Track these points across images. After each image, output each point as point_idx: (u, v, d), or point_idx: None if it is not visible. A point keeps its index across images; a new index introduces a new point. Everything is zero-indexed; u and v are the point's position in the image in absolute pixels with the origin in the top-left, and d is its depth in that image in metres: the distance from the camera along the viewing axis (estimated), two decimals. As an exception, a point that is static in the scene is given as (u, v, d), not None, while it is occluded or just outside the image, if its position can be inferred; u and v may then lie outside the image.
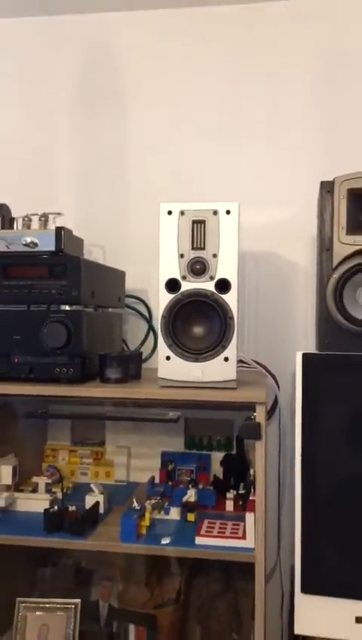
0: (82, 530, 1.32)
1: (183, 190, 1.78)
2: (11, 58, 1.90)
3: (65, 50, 1.87)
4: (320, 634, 1.25)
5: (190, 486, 1.47)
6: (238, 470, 1.61)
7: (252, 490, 1.40)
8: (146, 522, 1.34)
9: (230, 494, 1.51)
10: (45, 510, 1.36)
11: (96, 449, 1.76)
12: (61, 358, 1.32)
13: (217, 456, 1.68)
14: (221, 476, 1.62)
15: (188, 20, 1.80)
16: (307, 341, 1.70)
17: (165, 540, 1.30)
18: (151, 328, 1.83)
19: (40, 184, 1.87)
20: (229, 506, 1.48)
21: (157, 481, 1.63)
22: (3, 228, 1.49)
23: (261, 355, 1.67)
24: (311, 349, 1.48)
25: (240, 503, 1.48)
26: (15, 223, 1.51)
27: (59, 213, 1.52)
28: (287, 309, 1.73)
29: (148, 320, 1.83)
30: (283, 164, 1.74)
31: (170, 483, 1.59)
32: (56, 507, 1.38)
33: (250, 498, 1.35)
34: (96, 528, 1.37)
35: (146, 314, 1.83)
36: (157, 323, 1.78)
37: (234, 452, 1.67)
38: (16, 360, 1.33)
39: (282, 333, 1.73)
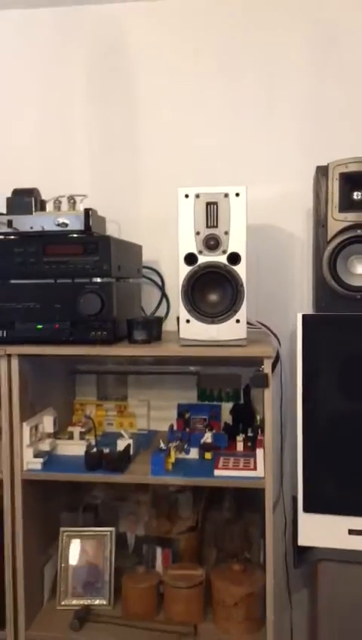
0: (119, 466, 1.57)
1: (191, 171, 1.97)
2: (26, 48, 2.05)
3: (78, 40, 2.03)
4: (319, 544, 1.52)
5: (206, 430, 1.71)
6: (246, 417, 1.85)
7: (259, 432, 1.65)
8: (172, 459, 1.58)
9: (239, 437, 1.75)
10: (86, 451, 1.61)
11: (120, 403, 2.00)
12: (95, 323, 1.54)
13: (226, 406, 1.92)
14: (231, 423, 1.87)
15: (192, 9, 1.96)
16: (303, 304, 1.93)
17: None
18: (164, 295, 2.04)
19: (58, 167, 2.05)
20: (240, 446, 1.72)
21: (175, 428, 1.88)
22: (36, 210, 1.68)
23: (263, 317, 1.89)
24: (308, 311, 1.71)
25: (249, 444, 1.72)
26: (46, 205, 1.71)
27: (84, 195, 1.72)
28: (286, 276, 1.95)
29: (162, 288, 2.04)
30: (281, 146, 1.93)
31: (187, 430, 1.83)
32: (95, 449, 1.62)
33: (258, 438, 1.60)
34: (129, 466, 1.61)
35: (160, 283, 2.04)
36: (170, 291, 2.02)
37: (241, 402, 1.91)
38: (56, 326, 1.55)
39: (281, 297, 1.95)
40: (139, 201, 2.04)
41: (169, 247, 1.98)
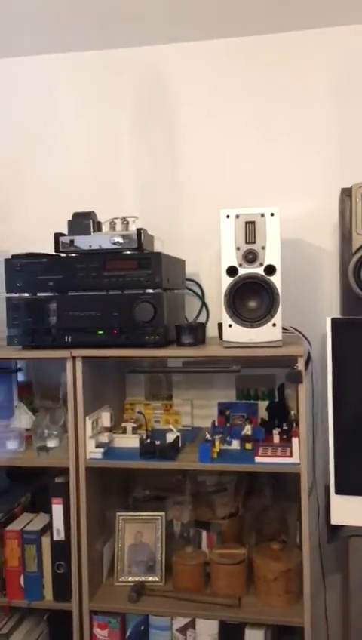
0: (171, 455, 1.78)
1: (227, 193, 2.20)
2: (80, 85, 2.30)
3: (125, 77, 2.27)
4: (350, 523, 1.70)
5: (247, 423, 1.91)
6: (280, 414, 2.04)
7: (294, 425, 1.85)
8: (217, 449, 1.78)
9: (275, 431, 1.94)
10: (141, 441, 1.82)
11: (166, 402, 2.21)
12: (149, 329, 1.76)
13: (262, 404, 2.12)
14: (267, 419, 2.07)
15: (226, 49, 2.19)
16: (331, 310, 2.13)
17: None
18: (204, 304, 2.26)
19: (109, 191, 2.29)
20: (276, 438, 1.91)
21: (216, 424, 2.07)
22: (93, 231, 1.92)
23: (295, 322, 2.09)
24: (336, 315, 1.90)
25: (284, 436, 1.91)
26: (102, 226, 1.94)
27: (135, 217, 1.95)
28: (315, 285, 2.15)
29: (202, 298, 2.26)
30: (309, 169, 2.15)
31: (227, 425, 2.04)
32: (148, 440, 1.83)
33: (293, 430, 1.80)
34: (179, 455, 1.82)
35: (200, 293, 2.26)
36: (209, 300, 2.23)
37: (276, 400, 2.11)
38: (115, 331, 1.78)
39: (311, 304, 2.15)
40: (180, 220, 2.26)
41: (208, 261, 2.23)
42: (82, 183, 2.29)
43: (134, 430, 2.00)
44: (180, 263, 2.06)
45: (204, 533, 1.99)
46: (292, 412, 1.99)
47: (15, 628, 1.93)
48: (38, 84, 2.33)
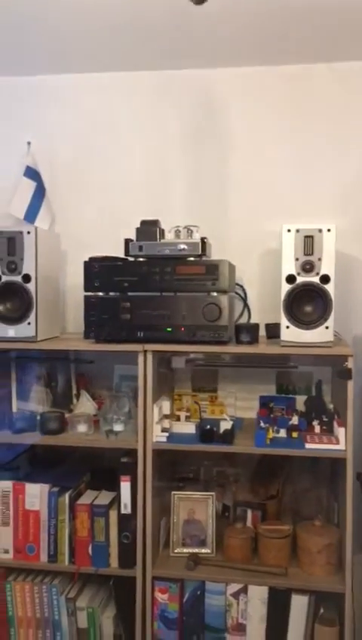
0: (228, 439, 2.00)
1: (273, 205, 2.42)
2: (134, 103, 2.50)
3: (177, 96, 2.48)
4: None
5: (293, 414, 2.14)
6: (317, 407, 2.28)
7: (335, 416, 2.08)
8: (270, 435, 2.01)
9: (315, 422, 2.17)
10: (201, 427, 2.04)
11: (212, 394, 2.44)
12: (214, 328, 1.98)
13: (299, 398, 2.35)
14: (303, 411, 2.30)
15: (270, 76, 2.42)
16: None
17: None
18: (246, 306, 2.48)
19: (158, 200, 2.50)
20: (317, 429, 2.14)
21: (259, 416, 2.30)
22: (159, 239, 2.12)
23: (338, 326, 2.32)
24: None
25: (324, 427, 2.14)
26: (165, 233, 2.15)
27: (197, 226, 2.17)
28: (354, 292, 2.39)
29: (244, 300, 2.48)
30: (342, 189, 2.38)
31: (271, 416, 2.26)
32: (208, 426, 2.05)
33: (335, 420, 2.03)
34: (234, 440, 2.04)
35: (243, 296, 2.48)
36: (251, 303, 2.45)
37: (313, 395, 2.34)
38: (182, 329, 2.00)
39: (351, 310, 2.38)
40: (226, 229, 2.47)
41: (250, 267, 2.45)
42: (134, 193, 2.49)
43: (187, 418, 2.22)
44: (233, 269, 2.28)
45: (249, 512, 2.21)
46: (331, 406, 2.22)
47: (80, 592, 2.14)
48: (100, 99, 2.53)
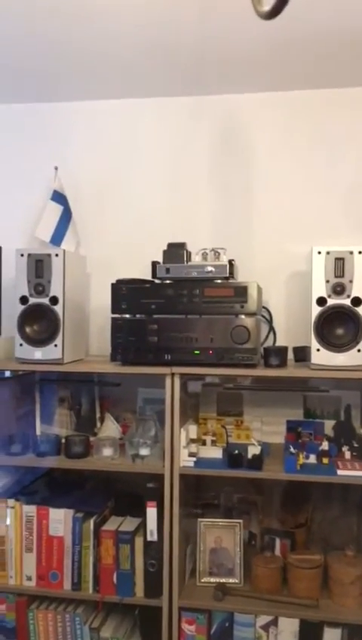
0: (258, 464, 1.96)
1: (299, 228, 2.41)
2: (162, 128, 2.52)
3: (204, 120, 2.50)
4: None
5: (323, 439, 2.09)
6: (346, 432, 2.23)
7: (365, 442, 2.03)
8: (301, 461, 1.97)
9: (345, 448, 2.13)
10: (229, 453, 2.00)
11: (237, 417, 2.40)
12: (242, 351, 1.96)
13: (328, 423, 2.31)
14: (332, 436, 2.25)
15: (295, 101, 2.43)
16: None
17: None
18: (271, 329, 2.46)
19: (186, 224, 2.50)
20: (347, 455, 2.09)
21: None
22: (186, 261, 2.11)
23: None
24: None
25: (355, 453, 2.10)
26: (191, 256, 2.14)
27: (224, 249, 2.16)
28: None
29: (270, 322, 2.46)
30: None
31: (299, 441, 2.22)
32: (236, 451, 2.01)
33: (368, 446, 1.98)
34: (263, 466, 2.00)
35: (268, 318, 2.46)
36: (276, 326, 2.43)
37: (342, 419, 2.30)
38: (210, 352, 1.97)
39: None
40: (251, 251, 2.46)
41: (276, 289, 2.43)
42: (159, 217, 2.50)
43: (213, 442, 2.18)
44: (261, 292, 2.26)
45: (278, 540, 2.16)
46: (361, 430, 2.18)
47: (104, 621, 2.08)
48: (126, 124, 2.55)
